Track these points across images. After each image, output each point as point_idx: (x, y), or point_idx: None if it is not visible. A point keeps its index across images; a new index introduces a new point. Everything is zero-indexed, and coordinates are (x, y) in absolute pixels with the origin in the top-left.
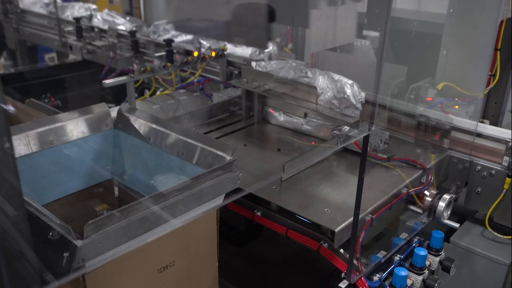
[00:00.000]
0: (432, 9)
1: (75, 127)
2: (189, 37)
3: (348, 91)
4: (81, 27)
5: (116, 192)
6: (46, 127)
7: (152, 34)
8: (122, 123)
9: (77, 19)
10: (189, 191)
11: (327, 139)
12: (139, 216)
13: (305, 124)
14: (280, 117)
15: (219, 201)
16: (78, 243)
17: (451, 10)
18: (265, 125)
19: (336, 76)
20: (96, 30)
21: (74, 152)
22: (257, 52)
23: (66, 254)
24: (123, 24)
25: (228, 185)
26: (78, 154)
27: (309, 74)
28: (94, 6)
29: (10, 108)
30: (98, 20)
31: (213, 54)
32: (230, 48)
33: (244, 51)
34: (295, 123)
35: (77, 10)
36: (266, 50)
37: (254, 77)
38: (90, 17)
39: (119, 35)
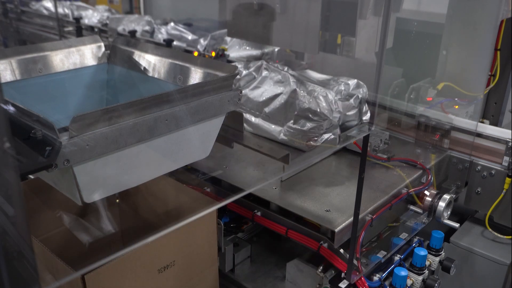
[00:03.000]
0: (432, 9)
1: (66, 57)
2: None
3: (322, 104)
4: (81, 27)
5: None
6: (35, 54)
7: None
8: (116, 56)
9: (77, 19)
10: (186, 105)
11: (304, 149)
12: (131, 123)
13: (282, 134)
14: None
15: (218, 123)
16: (63, 140)
17: (451, 10)
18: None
19: (310, 86)
20: (96, 30)
21: (65, 84)
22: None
23: (49, 148)
24: (192, 41)
25: (228, 105)
26: (69, 86)
27: (282, 79)
28: (157, 20)
29: (10, 108)
30: (162, 35)
31: (213, 54)
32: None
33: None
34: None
35: (134, 23)
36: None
37: None
38: (152, 32)
39: (119, 35)
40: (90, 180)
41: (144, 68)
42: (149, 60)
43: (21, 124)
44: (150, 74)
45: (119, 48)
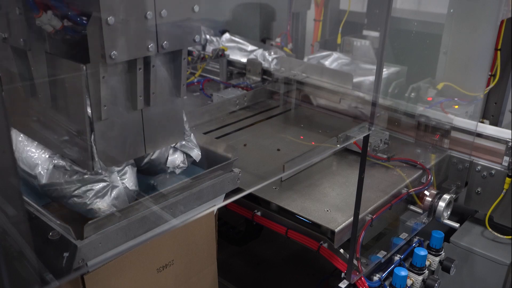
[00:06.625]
0: (432, 9)
1: None
2: None
3: None
4: None
5: None
6: None
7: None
8: None
9: None
10: (189, 191)
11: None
12: (139, 216)
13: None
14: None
15: (219, 201)
16: (78, 243)
17: (451, 10)
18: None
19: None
20: None
21: None
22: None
23: (66, 254)
24: (252, 52)
25: (228, 185)
26: None
27: None
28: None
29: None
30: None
31: (210, 56)
32: None
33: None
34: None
35: None
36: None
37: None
38: (204, 45)
39: None
40: None
41: None
42: None
43: (41, 224)
44: None
45: None
